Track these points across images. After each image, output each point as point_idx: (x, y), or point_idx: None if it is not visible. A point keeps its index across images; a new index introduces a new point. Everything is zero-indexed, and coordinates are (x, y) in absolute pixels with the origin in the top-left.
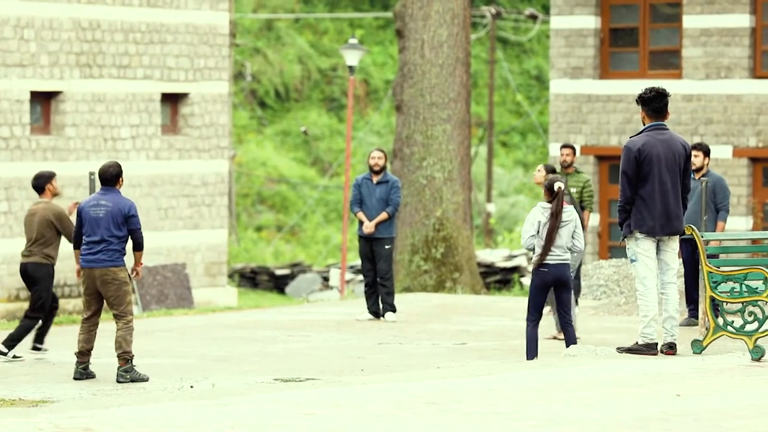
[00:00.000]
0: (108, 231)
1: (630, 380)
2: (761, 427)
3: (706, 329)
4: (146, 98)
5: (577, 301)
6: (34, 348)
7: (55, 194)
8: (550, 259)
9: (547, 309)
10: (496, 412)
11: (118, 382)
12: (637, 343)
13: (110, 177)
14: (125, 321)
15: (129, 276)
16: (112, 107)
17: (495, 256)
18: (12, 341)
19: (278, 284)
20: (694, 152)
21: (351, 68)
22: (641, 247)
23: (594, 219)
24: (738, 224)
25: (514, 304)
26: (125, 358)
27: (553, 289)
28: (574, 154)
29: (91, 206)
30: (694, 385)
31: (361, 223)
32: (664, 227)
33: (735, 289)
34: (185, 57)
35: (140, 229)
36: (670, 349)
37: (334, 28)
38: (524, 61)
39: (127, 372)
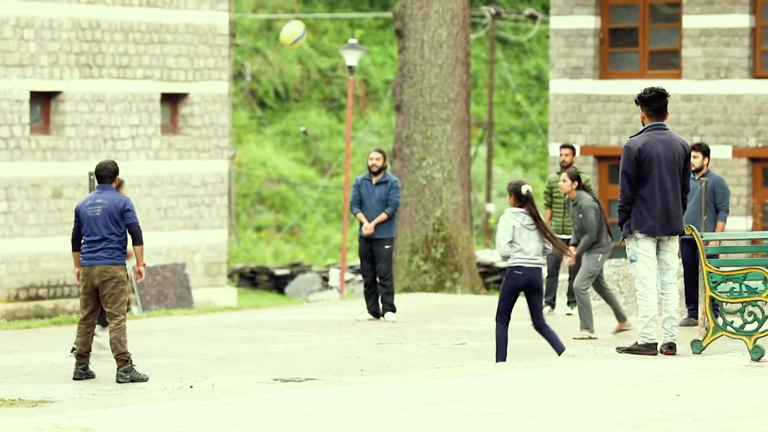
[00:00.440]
0: (107, 229)
1: (630, 380)
2: (761, 427)
3: (706, 329)
4: (146, 98)
5: (576, 302)
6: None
7: (117, 184)
8: (524, 263)
9: (546, 309)
10: (495, 412)
11: (118, 382)
12: (636, 343)
13: (107, 174)
14: (117, 321)
15: (128, 276)
16: (111, 107)
17: (495, 256)
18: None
19: (278, 284)
20: (693, 152)
21: (351, 68)
22: (641, 247)
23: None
24: (738, 224)
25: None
26: (123, 359)
27: (524, 293)
28: (574, 154)
29: (88, 206)
30: (694, 385)
31: (361, 223)
32: (664, 227)
33: (735, 289)
34: (185, 57)
35: (137, 222)
36: (670, 349)
37: (334, 28)
38: (524, 61)
39: (127, 372)
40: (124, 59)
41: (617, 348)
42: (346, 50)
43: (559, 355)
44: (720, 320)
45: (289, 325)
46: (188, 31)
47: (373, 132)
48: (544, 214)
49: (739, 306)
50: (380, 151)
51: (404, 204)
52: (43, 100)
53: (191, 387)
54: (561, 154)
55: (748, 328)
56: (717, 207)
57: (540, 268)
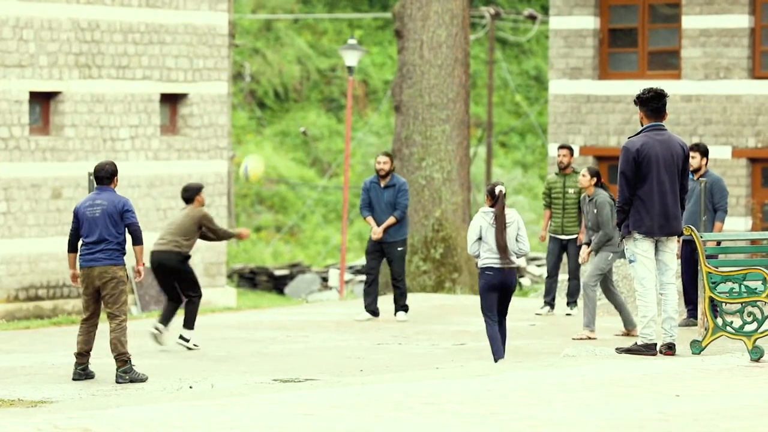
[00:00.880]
0: (106, 229)
1: (629, 381)
2: (760, 427)
3: (705, 330)
4: (145, 99)
5: (575, 302)
6: (156, 328)
7: (202, 205)
8: (496, 263)
9: (546, 309)
10: (494, 413)
11: (117, 382)
12: (636, 343)
13: (105, 175)
14: (118, 321)
15: (128, 276)
16: (111, 108)
17: None
18: (188, 323)
19: (277, 285)
20: (691, 153)
21: (350, 69)
22: (640, 247)
23: None
24: (737, 225)
25: (513, 305)
26: (123, 359)
27: (498, 291)
28: (572, 154)
29: (87, 207)
30: (693, 385)
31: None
32: (662, 228)
33: (734, 290)
34: (184, 57)
35: (137, 223)
36: (669, 349)
37: (333, 28)
38: (523, 61)
39: (126, 373)
40: (123, 60)
41: (616, 348)
42: (346, 51)
43: (495, 361)
44: (719, 321)
45: (288, 326)
46: (187, 32)
47: (372, 132)
48: (543, 215)
49: (739, 306)
50: (387, 155)
51: None
52: (42, 100)
53: (190, 387)
54: (559, 155)
55: (748, 328)
56: (715, 207)
57: (512, 269)
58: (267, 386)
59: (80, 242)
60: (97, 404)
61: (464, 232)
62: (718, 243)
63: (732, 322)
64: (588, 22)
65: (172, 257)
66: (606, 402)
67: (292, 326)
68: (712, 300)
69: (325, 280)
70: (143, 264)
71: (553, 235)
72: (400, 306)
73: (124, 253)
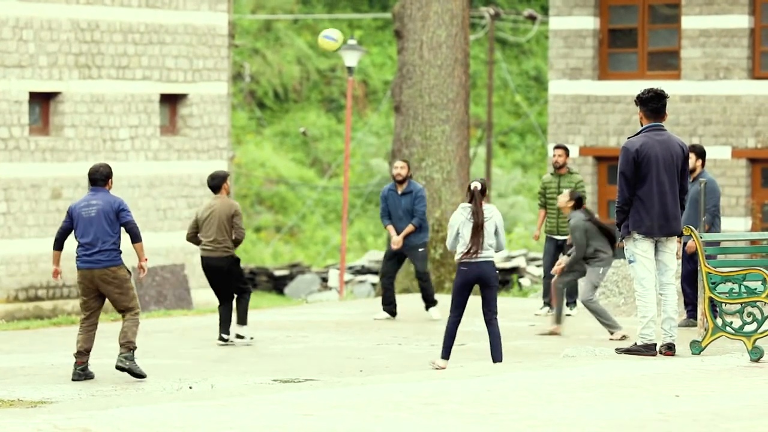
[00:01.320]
0: (102, 230)
1: (629, 381)
2: (760, 428)
3: (705, 330)
4: (145, 99)
5: (575, 302)
6: (221, 339)
7: (228, 193)
8: (468, 258)
9: (545, 310)
10: (494, 413)
11: (117, 366)
12: (635, 344)
13: (100, 177)
14: (132, 313)
15: (129, 271)
16: (111, 108)
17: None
18: (242, 320)
19: (277, 285)
20: None
21: (350, 69)
22: (639, 248)
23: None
24: (737, 225)
25: (513, 305)
26: (129, 347)
27: (479, 287)
28: (567, 154)
29: (83, 207)
30: (693, 385)
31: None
32: (662, 228)
33: (734, 290)
34: (184, 58)
35: (133, 220)
36: (669, 349)
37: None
38: (523, 61)
39: (128, 359)
40: (123, 60)
41: (616, 349)
42: (346, 51)
43: (494, 362)
44: (719, 321)
45: (288, 326)
46: (187, 32)
47: (372, 133)
48: (538, 214)
49: (738, 307)
50: (404, 161)
51: None
52: (42, 100)
53: (190, 388)
54: (554, 155)
55: (747, 328)
56: (705, 208)
57: (489, 262)
58: (267, 386)
59: (76, 244)
60: (97, 404)
61: None
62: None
63: (732, 323)
64: (588, 22)
65: (224, 262)
66: (606, 402)
67: (292, 326)
68: (711, 300)
69: (324, 280)
70: (146, 259)
71: (548, 235)
72: (430, 303)
73: (121, 252)
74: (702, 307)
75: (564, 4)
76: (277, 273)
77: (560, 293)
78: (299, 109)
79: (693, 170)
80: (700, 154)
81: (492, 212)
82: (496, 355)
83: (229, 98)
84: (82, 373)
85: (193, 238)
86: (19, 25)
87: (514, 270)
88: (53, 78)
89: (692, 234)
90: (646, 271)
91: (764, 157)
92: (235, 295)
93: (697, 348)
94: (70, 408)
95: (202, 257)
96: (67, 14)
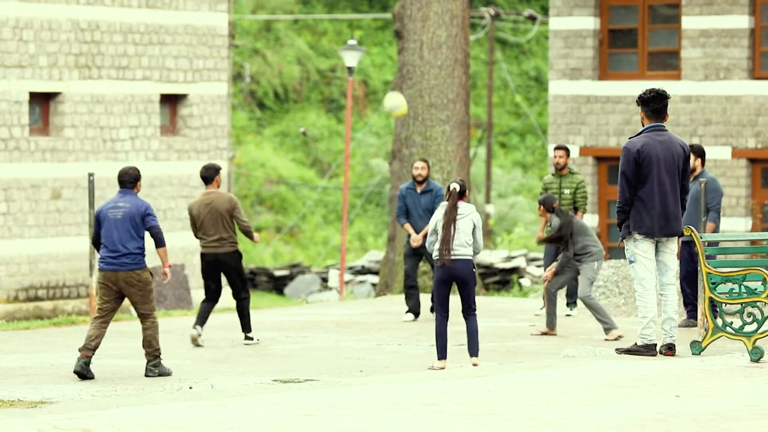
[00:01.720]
0: (126, 233)
1: (629, 381)
2: (760, 428)
3: (705, 330)
4: (145, 99)
5: (575, 302)
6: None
7: (219, 186)
8: (444, 255)
9: (544, 310)
10: (494, 413)
11: (147, 376)
12: (636, 344)
13: (129, 180)
14: (151, 320)
15: (151, 274)
16: (111, 108)
17: (494, 257)
18: (247, 327)
19: (277, 285)
20: None
21: (350, 69)
22: (640, 248)
23: (593, 220)
24: (737, 225)
25: (513, 305)
26: (154, 354)
27: (456, 284)
28: (568, 155)
29: (110, 209)
30: (693, 386)
31: (409, 234)
32: (663, 228)
33: (734, 290)
34: (184, 58)
35: (158, 225)
36: (669, 350)
37: (333, 29)
38: (523, 62)
39: (156, 367)
40: (123, 60)
41: (616, 349)
42: (346, 51)
43: (471, 356)
44: (719, 321)
45: (288, 326)
46: (187, 32)
47: (372, 133)
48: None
49: (739, 307)
50: (424, 160)
51: None
52: (42, 101)
53: (190, 388)
54: (555, 156)
55: (748, 329)
56: (707, 207)
57: (464, 260)
58: (267, 387)
59: (101, 245)
60: (97, 405)
61: None
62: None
63: (732, 323)
64: (588, 22)
65: (232, 258)
66: (606, 402)
67: (292, 327)
68: (711, 300)
69: (324, 280)
70: (170, 265)
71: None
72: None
73: (145, 256)
74: (702, 307)
75: (564, 4)
76: (277, 273)
77: (553, 297)
78: (299, 109)
79: (693, 170)
80: (699, 153)
81: (468, 210)
82: (472, 350)
83: (229, 98)
84: (84, 367)
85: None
86: (19, 25)
87: (514, 270)
88: (53, 78)
89: (692, 234)
90: (646, 271)
91: (764, 157)
92: (235, 301)
93: (697, 348)
94: (70, 408)
95: (208, 254)
96: (67, 14)
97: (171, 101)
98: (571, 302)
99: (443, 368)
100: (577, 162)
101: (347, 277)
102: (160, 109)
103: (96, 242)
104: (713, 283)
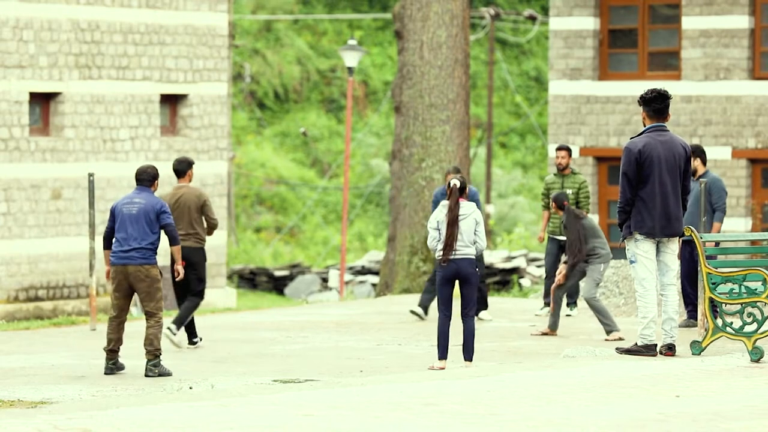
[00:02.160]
0: (141, 228)
1: (629, 381)
2: (760, 428)
3: (705, 330)
4: (145, 99)
5: (575, 302)
6: (192, 342)
7: (191, 180)
8: (448, 255)
9: (545, 310)
10: (494, 414)
11: (147, 376)
12: (636, 344)
13: (147, 178)
14: (156, 319)
15: (161, 273)
16: (111, 108)
17: (494, 257)
18: (180, 322)
19: (277, 285)
20: None
21: (350, 69)
22: (641, 248)
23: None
24: (737, 225)
25: (513, 306)
26: (155, 354)
27: (458, 283)
28: (570, 155)
29: (125, 204)
30: (693, 386)
31: None
32: (664, 229)
33: (734, 291)
34: (184, 58)
35: (173, 223)
36: (669, 350)
37: (333, 29)
38: (523, 62)
39: (156, 366)
40: (123, 60)
41: (616, 349)
42: (346, 51)
43: (465, 359)
44: (719, 321)
45: (288, 327)
46: (187, 32)
47: (372, 133)
48: (542, 215)
49: (739, 307)
50: (456, 171)
51: (403, 205)
52: (42, 101)
53: (190, 388)
54: (557, 156)
55: (748, 329)
56: (713, 207)
57: (468, 259)
58: (267, 387)
59: (114, 239)
60: (97, 405)
61: None
62: (716, 244)
63: (732, 323)
64: (588, 22)
65: (196, 253)
66: (606, 402)
67: (292, 327)
68: (712, 301)
69: (325, 280)
70: (183, 263)
71: (551, 235)
72: (482, 305)
73: (156, 253)
74: (702, 307)
75: (564, 4)
76: (278, 273)
77: (559, 300)
78: (299, 109)
79: (694, 171)
80: (697, 153)
81: (470, 210)
82: (467, 353)
83: (229, 99)
84: (113, 367)
85: None
86: (19, 25)
87: (515, 270)
88: (53, 78)
89: (693, 234)
90: (647, 271)
91: (764, 157)
92: (188, 296)
93: (697, 348)
94: (70, 408)
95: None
96: (67, 14)
97: (171, 101)
98: (572, 302)
99: (443, 368)
100: (577, 162)
101: (347, 277)
102: (160, 109)
103: (108, 237)
104: (713, 283)
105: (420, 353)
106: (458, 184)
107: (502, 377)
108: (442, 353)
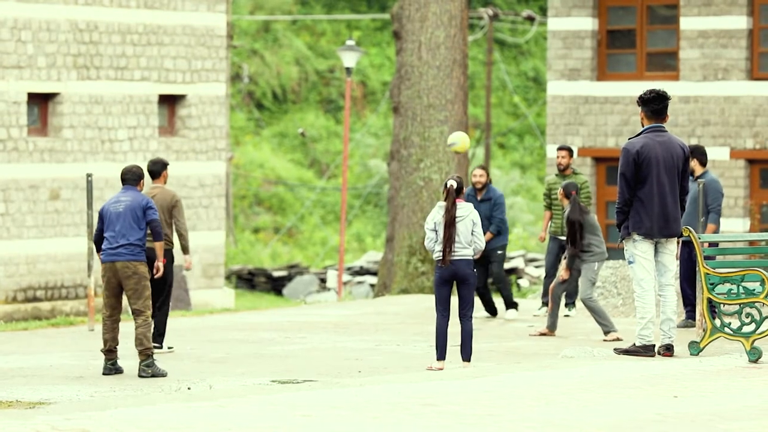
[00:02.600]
0: (128, 225)
1: (627, 382)
2: (758, 428)
3: (704, 331)
4: (143, 100)
5: (574, 303)
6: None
7: (165, 182)
8: (446, 255)
9: (543, 310)
10: (492, 414)
11: (141, 376)
12: (634, 344)
13: (132, 177)
14: (144, 317)
15: (150, 272)
16: (109, 109)
17: None
18: (161, 335)
19: (275, 286)
20: None
21: (348, 70)
22: (639, 248)
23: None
24: (735, 226)
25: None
26: (147, 353)
27: (456, 284)
28: (571, 156)
29: (112, 203)
30: (691, 386)
31: None
32: (662, 229)
33: (732, 291)
34: (182, 58)
35: (158, 219)
36: (668, 350)
37: (332, 29)
38: (521, 62)
39: (149, 366)
40: (121, 61)
41: (615, 349)
42: (344, 52)
43: (463, 360)
44: (717, 322)
45: (286, 327)
46: (186, 33)
47: (370, 134)
48: (544, 216)
49: (737, 307)
50: (483, 168)
51: (402, 205)
52: (40, 101)
53: (189, 388)
54: (558, 157)
55: (746, 329)
56: (708, 209)
57: (465, 260)
58: (265, 387)
59: (104, 238)
60: (95, 405)
61: None
62: (710, 245)
63: (730, 323)
64: (586, 23)
65: (165, 255)
66: (604, 403)
67: (291, 327)
68: (710, 301)
69: (323, 281)
70: (164, 261)
71: (553, 235)
72: (507, 304)
73: (145, 250)
74: (700, 307)
75: (562, 4)
76: (276, 274)
77: (557, 300)
78: (298, 110)
79: (692, 171)
80: (697, 154)
81: (467, 212)
82: (465, 354)
83: (227, 99)
84: (112, 368)
85: None
86: (17, 26)
87: (513, 271)
88: (52, 79)
89: (691, 235)
90: (645, 272)
91: (762, 157)
92: (158, 305)
93: (695, 349)
94: (68, 409)
95: (148, 248)
96: (65, 15)
97: (169, 102)
98: (570, 303)
99: (441, 369)
100: (575, 163)
101: (345, 277)
102: (158, 109)
103: (98, 240)
104: (711, 284)
105: (418, 354)
106: (455, 185)
107: (500, 378)
108: (441, 354)
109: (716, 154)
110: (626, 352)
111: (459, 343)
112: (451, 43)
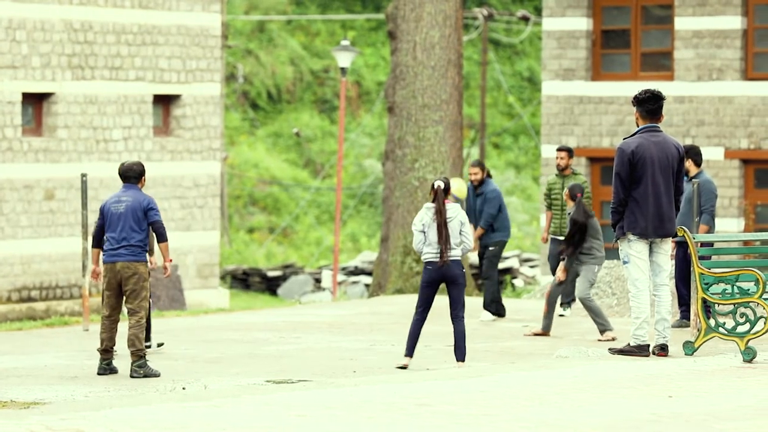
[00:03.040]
0: (129, 226)
1: (621, 382)
2: (753, 428)
3: (698, 331)
4: (138, 100)
5: (569, 303)
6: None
7: (143, 185)
8: (433, 257)
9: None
10: (487, 414)
11: (132, 377)
12: (629, 344)
13: (132, 175)
14: (137, 318)
15: (149, 273)
16: (104, 109)
17: None
18: (147, 334)
19: (270, 286)
20: None
21: (343, 70)
22: (634, 248)
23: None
24: (729, 226)
25: (507, 306)
26: (139, 354)
27: (446, 285)
28: (570, 156)
29: (113, 203)
30: (686, 386)
31: None
32: (656, 229)
33: (726, 291)
34: (177, 58)
35: (161, 220)
36: (662, 350)
37: (326, 29)
38: (516, 62)
39: (141, 367)
40: (116, 61)
41: (609, 349)
42: (339, 52)
43: (457, 360)
44: (712, 322)
45: (281, 327)
46: (180, 33)
47: (365, 134)
48: (545, 216)
49: (731, 307)
50: (478, 164)
51: (397, 205)
52: (35, 101)
53: (183, 389)
54: (557, 157)
55: (740, 329)
56: (701, 209)
57: (454, 261)
58: (260, 387)
59: (104, 238)
60: (90, 405)
61: None
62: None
63: (725, 323)
64: (581, 23)
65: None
66: (599, 403)
67: (285, 327)
68: (704, 301)
69: (318, 281)
70: (170, 260)
71: (553, 236)
72: (486, 305)
73: (146, 251)
74: (695, 307)
75: (557, 5)
76: (270, 274)
77: (553, 302)
78: (292, 110)
79: (686, 171)
80: (691, 154)
81: (456, 212)
82: (459, 354)
83: (222, 99)
84: (107, 368)
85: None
86: (12, 25)
87: (507, 271)
88: (46, 79)
89: (685, 235)
90: (640, 272)
91: (757, 158)
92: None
93: (690, 349)
94: (63, 409)
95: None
96: (60, 15)
97: (164, 102)
98: (565, 303)
99: (406, 366)
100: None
101: (340, 277)
102: (153, 109)
103: (97, 235)
104: (706, 284)
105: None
106: (442, 185)
107: (495, 378)
108: (409, 351)
109: (711, 154)
110: (621, 352)
111: (451, 344)
112: (445, 43)
